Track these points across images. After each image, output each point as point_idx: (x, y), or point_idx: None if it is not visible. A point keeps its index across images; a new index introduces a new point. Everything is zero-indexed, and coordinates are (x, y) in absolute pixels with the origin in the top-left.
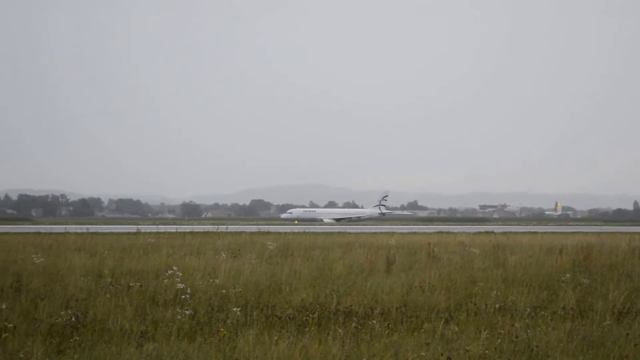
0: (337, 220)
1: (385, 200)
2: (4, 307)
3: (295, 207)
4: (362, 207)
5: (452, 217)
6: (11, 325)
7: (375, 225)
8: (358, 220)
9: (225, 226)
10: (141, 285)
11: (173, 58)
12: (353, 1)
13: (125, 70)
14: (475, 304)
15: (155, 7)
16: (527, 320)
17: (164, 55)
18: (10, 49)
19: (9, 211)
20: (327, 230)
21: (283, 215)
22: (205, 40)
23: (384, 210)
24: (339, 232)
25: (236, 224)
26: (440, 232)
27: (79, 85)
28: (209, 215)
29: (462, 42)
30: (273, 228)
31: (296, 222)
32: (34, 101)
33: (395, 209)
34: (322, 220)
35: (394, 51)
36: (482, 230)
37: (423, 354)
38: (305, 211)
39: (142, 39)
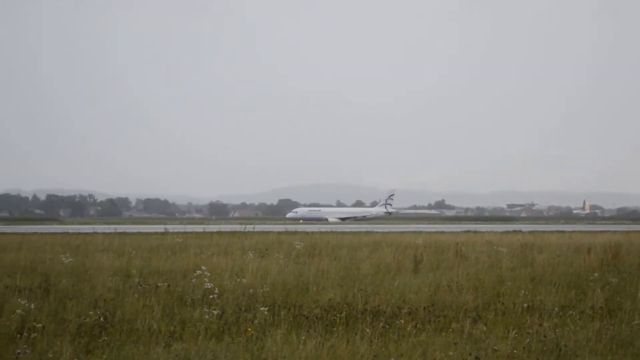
0: (342, 219)
1: (392, 199)
2: (32, 307)
3: (323, 206)
4: (369, 206)
5: (479, 216)
6: (40, 325)
7: (403, 224)
8: (363, 219)
9: (253, 226)
10: (169, 285)
11: (182, 58)
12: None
13: (140, 70)
14: (503, 304)
15: (156, 7)
16: (555, 320)
17: (175, 56)
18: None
19: (37, 211)
20: (354, 230)
21: (288, 215)
22: (212, 41)
23: (390, 210)
24: (366, 232)
25: (263, 224)
26: (468, 231)
27: (94, 86)
28: (236, 214)
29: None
30: (300, 227)
31: (301, 221)
32: (62, 99)
33: (423, 208)
34: (327, 219)
35: (409, 48)
36: (510, 230)
37: (451, 353)
38: (310, 210)
39: (155, 38)
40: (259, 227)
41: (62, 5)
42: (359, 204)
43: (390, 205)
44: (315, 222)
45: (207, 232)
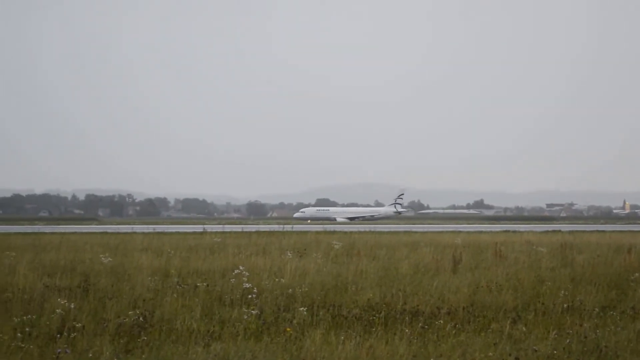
0: (351, 219)
1: (401, 198)
2: (72, 306)
3: (360, 206)
4: (381, 206)
5: (518, 216)
6: (80, 324)
7: (441, 224)
8: (372, 219)
9: (291, 225)
10: (208, 285)
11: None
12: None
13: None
14: (543, 304)
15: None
16: (595, 320)
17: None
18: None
19: (77, 211)
20: (392, 230)
21: (296, 215)
22: (227, 39)
23: (400, 209)
24: (404, 232)
25: (301, 223)
26: (507, 231)
27: (124, 88)
28: (274, 214)
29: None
30: (338, 227)
31: (309, 221)
32: (98, 98)
33: (461, 207)
34: (335, 219)
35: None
36: (549, 229)
37: (491, 354)
38: (318, 210)
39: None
40: (297, 227)
41: (67, 5)
42: (378, 204)
43: (400, 204)
44: (323, 221)
45: (246, 232)
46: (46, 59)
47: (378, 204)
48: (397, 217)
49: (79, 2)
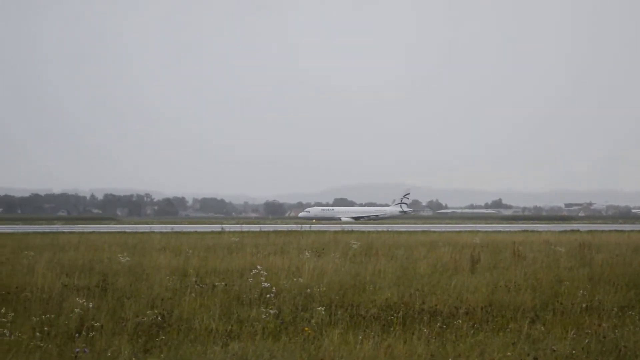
0: (355, 218)
1: (407, 198)
2: (91, 306)
3: (379, 205)
4: (385, 205)
5: (536, 216)
6: (98, 324)
7: (460, 224)
8: (377, 218)
9: (309, 225)
10: (226, 285)
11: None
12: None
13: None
14: (561, 304)
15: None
16: (614, 320)
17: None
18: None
19: (95, 211)
20: (410, 229)
21: (300, 214)
22: (245, 39)
23: (405, 209)
24: (422, 231)
25: (319, 223)
26: (525, 231)
27: (140, 88)
28: (292, 214)
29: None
30: (356, 227)
31: (314, 220)
32: (115, 100)
33: (480, 207)
34: (339, 218)
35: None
36: (568, 229)
37: (509, 353)
38: (323, 209)
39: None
40: (315, 227)
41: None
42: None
43: (406, 204)
44: (328, 221)
45: (263, 232)
46: (57, 60)
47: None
48: (402, 216)
49: (82, 2)
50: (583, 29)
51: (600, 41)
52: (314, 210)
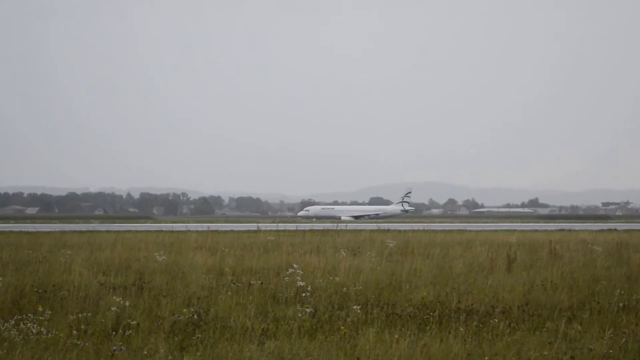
0: (356, 217)
1: (409, 196)
2: (127, 304)
3: (413, 205)
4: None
5: (573, 215)
6: (134, 322)
7: (496, 223)
8: (377, 217)
9: (345, 224)
10: (262, 283)
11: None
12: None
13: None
14: (598, 303)
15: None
16: None
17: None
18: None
19: (132, 209)
20: (446, 228)
21: (300, 213)
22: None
23: (407, 207)
24: (459, 230)
25: (355, 222)
26: (562, 230)
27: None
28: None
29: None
30: (392, 226)
31: (314, 219)
32: (144, 107)
33: (516, 206)
34: (340, 217)
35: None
36: (605, 228)
37: (545, 353)
38: (323, 208)
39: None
40: (351, 226)
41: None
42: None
43: (408, 203)
44: (328, 220)
45: (300, 231)
46: (84, 66)
47: (433, 203)
48: (404, 215)
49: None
50: None
51: None
52: (314, 209)
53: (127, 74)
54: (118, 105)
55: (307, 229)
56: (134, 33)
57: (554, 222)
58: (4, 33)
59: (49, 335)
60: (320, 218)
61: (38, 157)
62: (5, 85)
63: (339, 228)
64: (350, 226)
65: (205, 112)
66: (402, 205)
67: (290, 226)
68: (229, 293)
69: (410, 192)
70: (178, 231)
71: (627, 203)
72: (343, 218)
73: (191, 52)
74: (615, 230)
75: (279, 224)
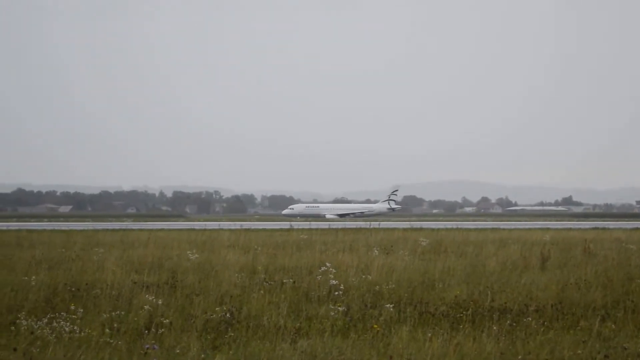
0: (341, 216)
1: (395, 195)
2: (160, 303)
3: (447, 203)
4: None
5: (607, 213)
6: (167, 320)
7: (529, 221)
8: (362, 216)
9: (378, 222)
10: (294, 282)
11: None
12: None
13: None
14: (633, 302)
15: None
16: None
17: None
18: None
19: (164, 208)
20: (480, 227)
21: (284, 212)
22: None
23: (394, 206)
24: (492, 229)
25: (388, 220)
26: (596, 228)
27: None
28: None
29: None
30: (425, 224)
31: (298, 218)
32: (176, 107)
33: (550, 204)
34: (324, 216)
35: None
36: (639, 227)
37: (579, 351)
38: (307, 207)
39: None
40: (384, 224)
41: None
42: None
43: (394, 201)
44: (312, 219)
45: (332, 229)
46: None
47: (465, 201)
48: (390, 214)
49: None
50: None
51: None
52: (298, 208)
53: (142, 77)
54: (135, 108)
55: (340, 227)
56: (149, 34)
57: (588, 221)
58: (36, 45)
59: (82, 333)
60: (304, 216)
61: (71, 159)
62: (29, 92)
63: (371, 227)
64: (383, 224)
65: (242, 113)
66: (389, 203)
67: (323, 225)
68: (262, 292)
69: (396, 190)
70: (210, 229)
71: None
72: (328, 216)
73: (206, 50)
74: None
75: (311, 223)
